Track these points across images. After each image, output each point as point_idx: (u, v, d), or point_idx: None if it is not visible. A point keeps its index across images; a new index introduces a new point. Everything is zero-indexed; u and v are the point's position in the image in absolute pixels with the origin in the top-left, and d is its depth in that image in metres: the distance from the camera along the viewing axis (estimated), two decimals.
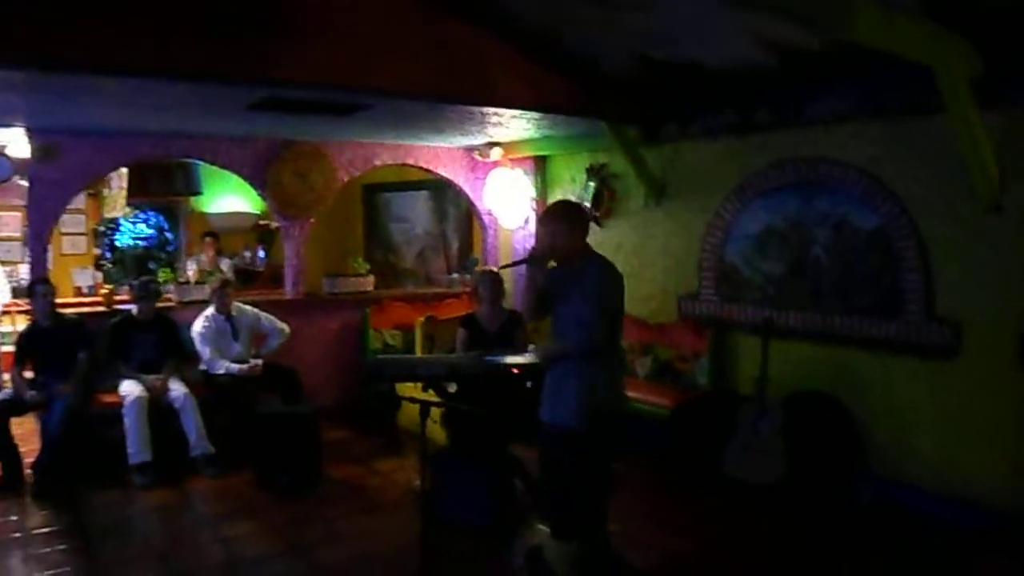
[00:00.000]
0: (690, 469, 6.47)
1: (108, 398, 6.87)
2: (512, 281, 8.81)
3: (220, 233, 11.05)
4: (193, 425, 6.79)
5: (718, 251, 7.05)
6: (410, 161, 9.09)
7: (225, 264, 10.33)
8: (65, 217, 8.64)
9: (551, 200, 8.73)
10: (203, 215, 11.70)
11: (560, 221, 4.34)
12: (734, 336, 7.00)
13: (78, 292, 9.72)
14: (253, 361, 7.20)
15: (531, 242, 8.71)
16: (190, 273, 9.34)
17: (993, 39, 4.79)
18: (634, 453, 6.42)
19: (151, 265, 9.57)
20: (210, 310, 7.33)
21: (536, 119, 7.01)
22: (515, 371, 5.60)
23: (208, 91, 5.62)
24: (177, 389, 6.90)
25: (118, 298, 7.97)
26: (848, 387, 6.15)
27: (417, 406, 4.40)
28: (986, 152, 5.10)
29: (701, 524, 5.74)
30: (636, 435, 6.45)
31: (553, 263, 4.41)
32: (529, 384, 5.91)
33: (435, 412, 6.23)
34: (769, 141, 6.58)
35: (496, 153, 8.77)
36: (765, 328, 6.24)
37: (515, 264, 4.61)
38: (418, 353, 7.71)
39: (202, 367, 7.25)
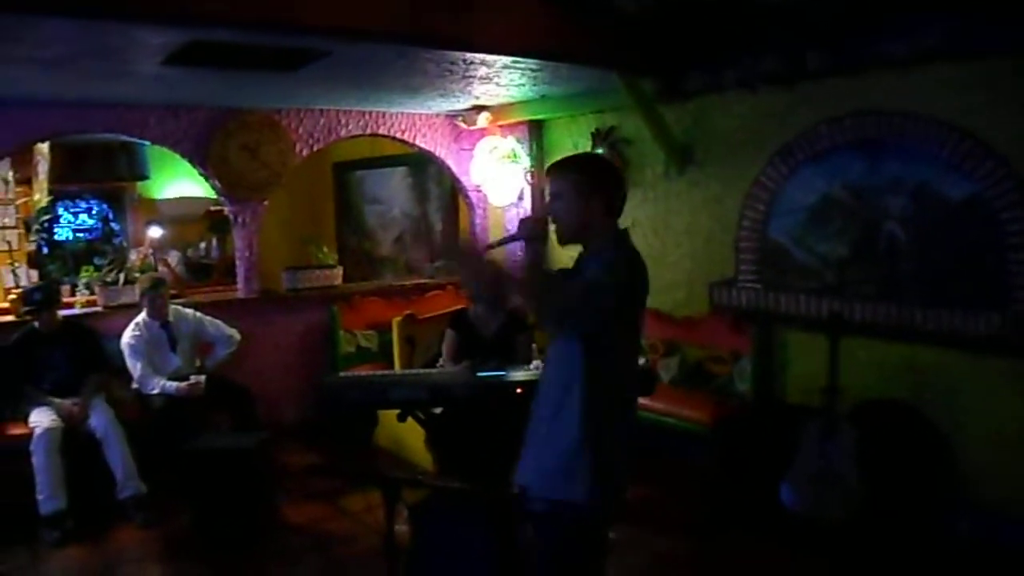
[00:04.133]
0: (739, 501, 5.24)
1: (17, 429, 5.59)
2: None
3: (171, 222, 9.77)
4: (120, 460, 5.54)
5: (759, 228, 5.79)
6: (382, 131, 7.80)
7: (173, 257, 9.00)
8: None
9: None
10: (152, 202, 10.38)
11: (569, 175, 2.87)
12: (782, 332, 5.74)
13: (7, 294, 8.42)
14: (194, 378, 5.91)
15: None
16: (133, 261, 8.10)
17: None
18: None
19: (96, 260, 8.26)
20: (141, 316, 6.05)
21: (532, 71, 5.72)
22: (519, 391, 4.36)
23: (106, 36, 4.31)
24: (99, 415, 5.62)
25: None
26: (934, 396, 4.94)
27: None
28: None
29: (757, 572, 4.58)
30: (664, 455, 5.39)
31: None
32: None
33: (421, 432, 5.04)
34: (824, 91, 5.32)
35: (483, 119, 7.49)
36: (833, 324, 4.94)
37: (507, 241, 3.27)
38: (396, 359, 6.43)
39: (134, 386, 5.97)
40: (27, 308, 5.84)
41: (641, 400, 5.51)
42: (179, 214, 10.13)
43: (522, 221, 3.02)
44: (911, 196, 4.97)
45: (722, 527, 5.22)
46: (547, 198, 2.96)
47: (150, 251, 8.71)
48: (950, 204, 4.80)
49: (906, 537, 4.76)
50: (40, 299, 5.83)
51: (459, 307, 5.51)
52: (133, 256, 8.77)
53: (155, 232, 9.12)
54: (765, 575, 4.64)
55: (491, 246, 3.40)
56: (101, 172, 9.93)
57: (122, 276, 6.69)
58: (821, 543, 4.75)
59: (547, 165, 7.29)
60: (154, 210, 10.15)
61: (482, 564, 4.21)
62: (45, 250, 10.04)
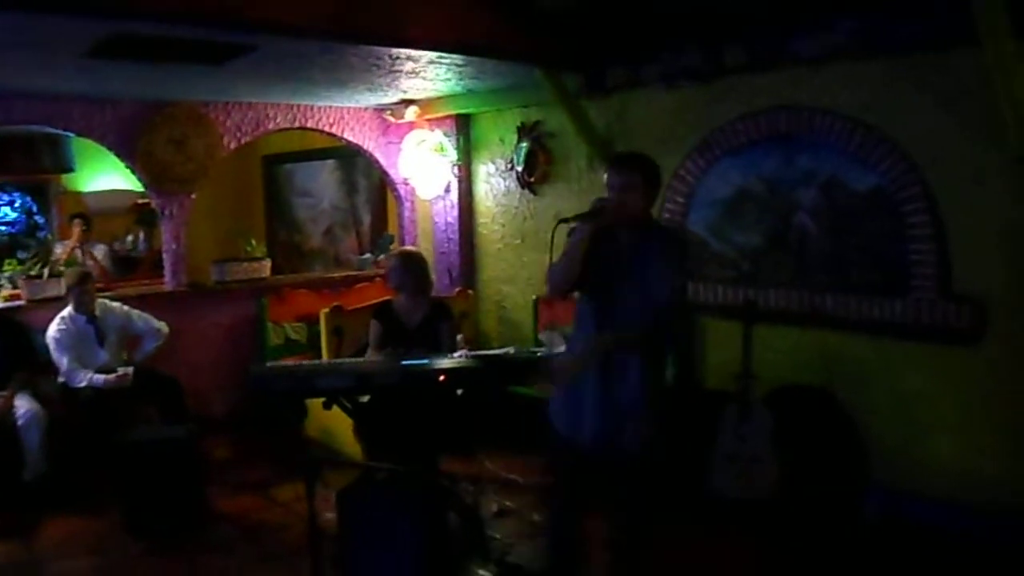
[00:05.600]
0: (663, 485, 5.40)
1: None
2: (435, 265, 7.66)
3: (97, 215, 9.60)
4: (33, 444, 5.55)
5: (679, 220, 5.92)
6: (310, 124, 7.81)
7: (99, 250, 8.91)
8: None
9: (476, 165, 7.61)
10: (78, 195, 10.22)
11: (640, 172, 3.54)
12: (701, 321, 5.90)
13: None
14: (122, 370, 5.90)
15: (454, 213, 7.61)
16: (58, 255, 8.01)
17: None
18: None
19: (19, 254, 8.14)
20: (68, 310, 6.01)
21: (459, 66, 5.81)
22: (442, 378, 4.46)
23: (27, 26, 4.30)
24: (23, 403, 5.63)
25: None
26: (844, 380, 5.12)
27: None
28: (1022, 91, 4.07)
29: (683, 553, 4.65)
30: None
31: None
32: (459, 392, 4.85)
33: (348, 421, 5.11)
34: (741, 87, 5.48)
35: (411, 113, 7.54)
36: (747, 312, 5.15)
37: (582, 217, 3.51)
38: (323, 350, 6.49)
39: (60, 380, 5.94)
40: None
41: None
42: (105, 207, 9.98)
43: (598, 200, 3.48)
44: (820, 188, 5.15)
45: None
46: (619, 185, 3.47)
47: (76, 244, 8.60)
48: (856, 196, 4.98)
49: (821, 515, 4.93)
50: None
51: (384, 299, 5.58)
52: (59, 249, 8.67)
53: (78, 226, 8.93)
54: (685, 552, 4.72)
55: (570, 218, 3.58)
56: (24, 164, 9.76)
57: (46, 270, 6.63)
58: (739, 523, 4.93)
59: (473, 161, 7.51)
60: (80, 203, 10.00)
61: (409, 546, 4.30)
62: None
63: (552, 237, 3.58)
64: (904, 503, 4.84)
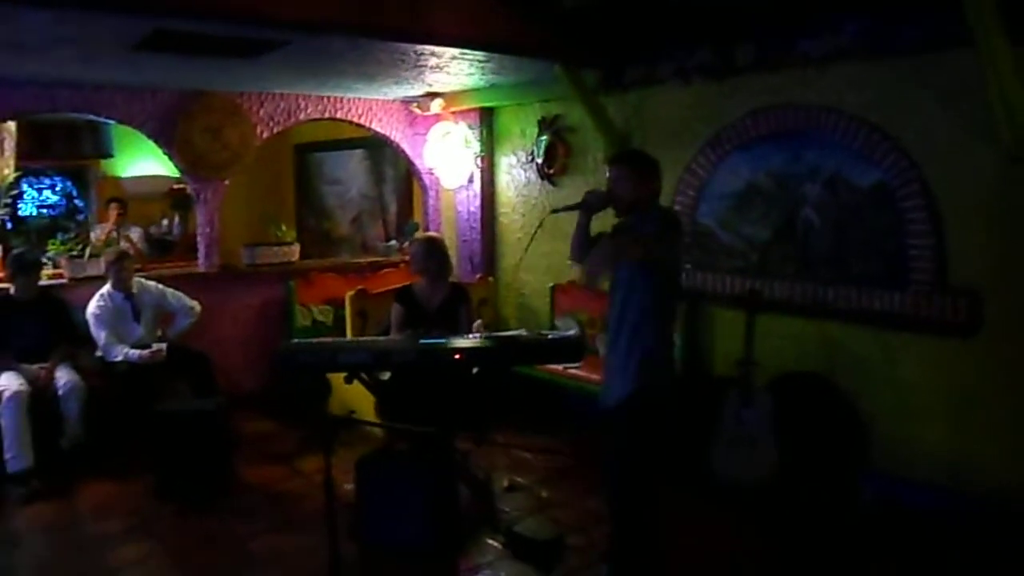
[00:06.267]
0: (667, 465, 5.62)
1: None
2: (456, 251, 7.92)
3: (134, 199, 9.94)
4: (73, 414, 5.86)
5: (690, 212, 6.14)
6: (340, 115, 8.07)
7: (135, 233, 9.25)
8: None
9: (499, 156, 7.86)
10: (116, 180, 10.57)
11: (628, 166, 3.92)
12: (709, 310, 6.12)
13: None
14: (156, 345, 6.22)
15: (476, 203, 7.85)
16: (94, 240, 8.32)
17: None
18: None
19: (59, 236, 8.46)
20: (106, 287, 6.33)
21: (480, 62, 6.05)
22: (457, 357, 4.69)
23: (82, 23, 4.59)
24: (64, 375, 5.94)
25: None
26: (844, 368, 5.33)
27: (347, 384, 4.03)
28: (1014, 92, 4.24)
29: (685, 533, 4.80)
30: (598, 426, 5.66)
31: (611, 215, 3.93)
32: (476, 371, 5.07)
33: (370, 399, 5.36)
34: (751, 84, 5.68)
35: (436, 105, 7.80)
36: (750, 300, 5.37)
37: (568, 209, 4.00)
38: (348, 332, 6.76)
39: (98, 354, 6.26)
40: (16, 269, 6.15)
41: (579, 371, 5.96)
42: (143, 192, 10.30)
43: (588, 193, 3.89)
44: (825, 184, 5.33)
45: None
46: (609, 178, 3.91)
47: (113, 227, 8.92)
48: (859, 192, 5.17)
49: (818, 499, 5.13)
50: (30, 259, 6.25)
51: (406, 283, 5.83)
52: (96, 232, 8.99)
53: (115, 209, 9.24)
54: (684, 533, 4.84)
55: (557, 210, 4.09)
56: (66, 150, 10.11)
57: (87, 251, 6.96)
58: (739, 505, 5.12)
59: (496, 153, 7.73)
60: (119, 188, 10.32)
61: (423, 515, 4.53)
62: (9, 225, 10.23)
63: (540, 223, 4.17)
64: (900, 488, 5.02)
